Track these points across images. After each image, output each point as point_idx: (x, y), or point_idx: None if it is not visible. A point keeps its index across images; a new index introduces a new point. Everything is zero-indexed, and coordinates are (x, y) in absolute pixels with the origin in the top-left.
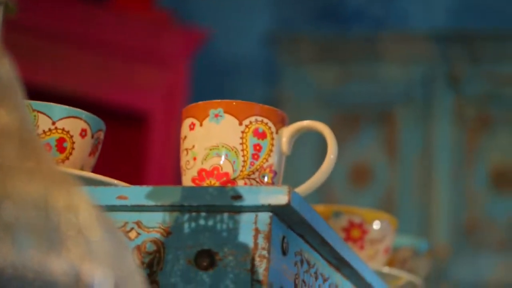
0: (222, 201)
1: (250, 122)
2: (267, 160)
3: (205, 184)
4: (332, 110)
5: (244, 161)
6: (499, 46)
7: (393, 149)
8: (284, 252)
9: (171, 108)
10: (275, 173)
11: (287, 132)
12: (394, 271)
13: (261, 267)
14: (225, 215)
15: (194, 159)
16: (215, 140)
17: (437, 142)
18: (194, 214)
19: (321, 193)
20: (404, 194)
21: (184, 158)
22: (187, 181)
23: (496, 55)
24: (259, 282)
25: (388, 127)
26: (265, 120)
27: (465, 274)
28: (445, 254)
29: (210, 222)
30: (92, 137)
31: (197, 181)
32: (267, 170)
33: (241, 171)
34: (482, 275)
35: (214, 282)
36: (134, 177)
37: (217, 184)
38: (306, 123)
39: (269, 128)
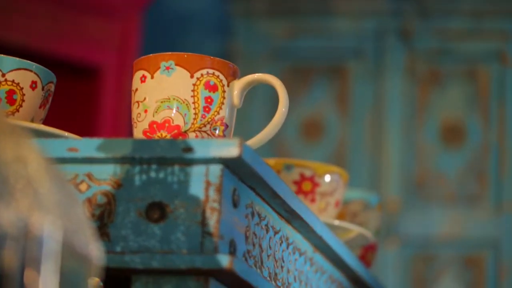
0: (173, 154)
1: (202, 75)
2: (218, 113)
3: (156, 137)
4: (283, 64)
5: (195, 113)
6: (450, 1)
7: (345, 103)
8: (235, 205)
9: (123, 60)
10: (226, 126)
11: (239, 85)
12: (345, 224)
13: (212, 219)
14: (176, 167)
15: (145, 111)
16: (166, 93)
17: (388, 97)
18: (145, 166)
19: (273, 147)
20: (355, 148)
21: (136, 111)
22: (138, 133)
23: (447, 10)
24: (210, 234)
25: (340, 81)
26: (217, 73)
27: (415, 227)
28: (395, 207)
29: (161, 175)
30: (43, 89)
31: (148, 134)
32: (218, 122)
33: (192, 123)
34: (431, 228)
35: (165, 234)
36: (86, 130)
37: (168, 136)
38: (257, 76)
39: (221, 81)
